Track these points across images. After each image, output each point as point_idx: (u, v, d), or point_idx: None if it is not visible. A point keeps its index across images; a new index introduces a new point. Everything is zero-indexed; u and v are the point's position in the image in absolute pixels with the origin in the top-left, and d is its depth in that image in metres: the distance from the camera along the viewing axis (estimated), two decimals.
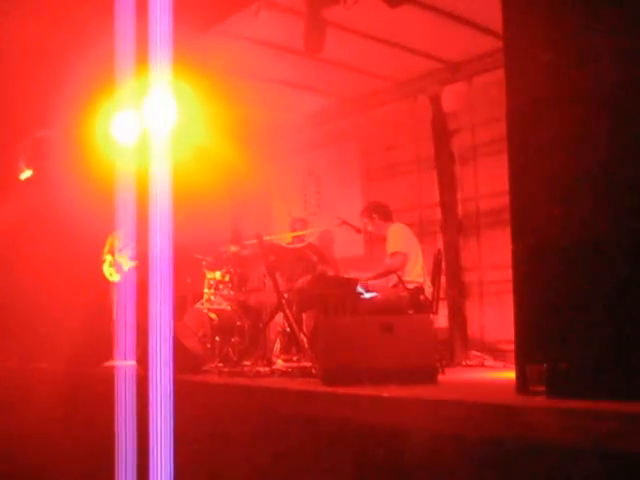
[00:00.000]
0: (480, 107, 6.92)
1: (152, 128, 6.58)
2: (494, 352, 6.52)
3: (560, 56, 3.29)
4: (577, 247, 3.17)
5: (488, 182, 6.85)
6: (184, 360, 5.57)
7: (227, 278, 7.05)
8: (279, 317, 5.96)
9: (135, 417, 3.92)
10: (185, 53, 6.05)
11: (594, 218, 3.13)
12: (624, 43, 3.08)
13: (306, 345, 5.55)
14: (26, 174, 8.67)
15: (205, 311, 6.83)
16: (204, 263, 7.14)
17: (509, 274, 3.50)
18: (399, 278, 5.57)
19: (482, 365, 6.44)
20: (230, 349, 6.49)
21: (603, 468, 2.37)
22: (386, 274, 5.70)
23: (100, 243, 7.71)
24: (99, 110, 7.01)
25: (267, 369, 5.50)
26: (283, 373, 5.31)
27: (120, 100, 6.74)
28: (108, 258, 7.64)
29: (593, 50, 3.18)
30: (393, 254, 5.72)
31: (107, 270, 7.62)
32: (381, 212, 6.05)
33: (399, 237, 5.79)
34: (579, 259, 3.15)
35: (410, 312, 5.41)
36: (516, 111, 3.52)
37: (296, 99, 7.93)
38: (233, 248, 7.14)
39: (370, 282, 5.70)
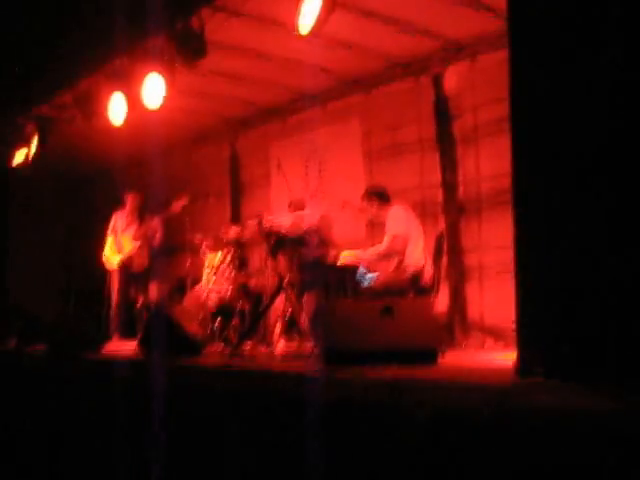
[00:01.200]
0: (482, 87, 6.83)
1: (148, 107, 6.55)
2: (494, 334, 6.50)
3: (572, 36, 3.22)
4: (580, 229, 3.14)
5: (490, 163, 6.79)
6: (184, 343, 5.56)
7: (227, 260, 7.02)
8: (280, 300, 5.94)
9: (131, 402, 3.91)
10: (182, 30, 5.98)
11: (596, 201, 3.09)
12: None
13: (307, 328, 5.53)
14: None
15: (205, 294, 6.82)
16: (204, 245, 7.11)
17: (510, 256, 3.46)
18: (400, 261, 5.54)
19: (482, 347, 6.44)
20: (230, 332, 6.48)
21: (601, 450, 2.35)
22: (386, 256, 5.67)
23: (97, 225, 7.69)
24: (95, 90, 6.96)
25: (267, 352, 5.49)
26: (283, 356, 5.30)
27: (115, 80, 6.69)
28: (110, 238, 7.61)
29: (607, 34, 3.10)
30: (394, 237, 5.68)
31: (108, 251, 7.57)
32: (380, 196, 6.00)
33: (399, 220, 5.74)
34: (581, 242, 3.12)
35: (411, 295, 5.39)
36: (520, 91, 3.45)
37: (298, 78, 7.84)
38: (233, 229, 7.10)
39: (368, 255, 5.69)
